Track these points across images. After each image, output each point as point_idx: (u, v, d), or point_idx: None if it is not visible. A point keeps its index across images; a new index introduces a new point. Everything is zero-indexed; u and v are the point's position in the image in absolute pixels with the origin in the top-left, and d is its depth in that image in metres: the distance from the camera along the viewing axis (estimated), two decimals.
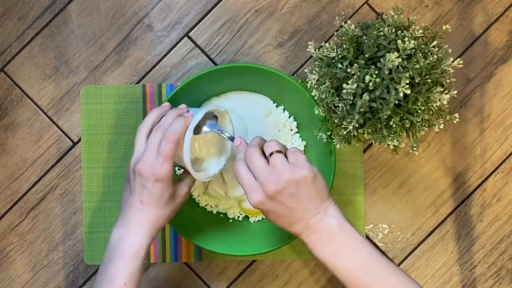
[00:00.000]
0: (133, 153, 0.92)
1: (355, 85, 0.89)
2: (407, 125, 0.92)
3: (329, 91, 0.94)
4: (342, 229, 0.87)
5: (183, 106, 0.96)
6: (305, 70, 0.99)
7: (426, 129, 0.93)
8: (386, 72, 0.88)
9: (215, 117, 0.97)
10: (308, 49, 0.95)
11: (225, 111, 0.97)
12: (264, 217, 1.06)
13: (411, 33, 0.91)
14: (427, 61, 0.89)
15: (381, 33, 0.90)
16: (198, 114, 0.93)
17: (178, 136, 0.89)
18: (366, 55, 0.90)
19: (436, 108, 0.92)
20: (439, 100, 0.90)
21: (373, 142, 0.95)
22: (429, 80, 0.90)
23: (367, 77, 0.88)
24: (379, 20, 0.94)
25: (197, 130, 0.95)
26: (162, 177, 0.89)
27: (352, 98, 0.90)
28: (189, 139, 0.91)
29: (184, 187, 0.95)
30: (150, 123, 0.93)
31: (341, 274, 0.87)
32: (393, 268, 0.87)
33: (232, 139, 0.95)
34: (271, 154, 0.88)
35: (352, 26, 0.92)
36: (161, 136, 0.90)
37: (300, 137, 1.07)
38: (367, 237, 1.10)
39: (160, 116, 0.94)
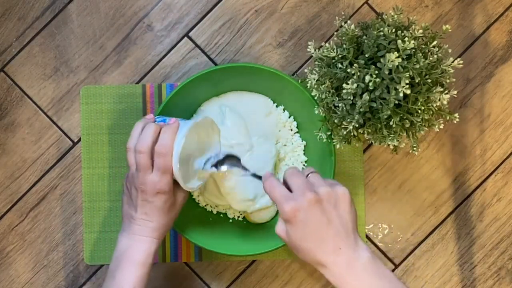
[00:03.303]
0: (129, 170, 0.93)
1: (355, 85, 0.89)
2: (407, 125, 0.92)
3: (329, 91, 0.94)
4: (376, 262, 0.83)
5: (150, 116, 0.95)
6: (305, 70, 0.99)
7: (426, 129, 0.93)
8: (386, 72, 0.88)
9: (234, 157, 0.97)
10: (308, 49, 0.95)
11: (216, 126, 0.96)
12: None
13: (411, 33, 0.91)
14: (427, 61, 0.89)
15: (381, 33, 0.90)
16: (185, 126, 0.91)
17: (169, 149, 0.90)
18: (366, 55, 0.90)
19: (436, 108, 0.92)
20: (439, 100, 0.90)
21: (373, 142, 0.95)
22: (429, 80, 0.90)
23: (367, 77, 0.88)
24: (379, 20, 0.94)
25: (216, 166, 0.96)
26: (163, 189, 0.91)
27: (352, 98, 0.90)
28: (178, 153, 0.90)
29: (182, 192, 0.96)
30: (137, 139, 0.92)
31: None
32: None
33: (258, 176, 0.93)
34: (307, 175, 0.87)
35: (352, 26, 0.92)
36: (146, 155, 0.90)
37: (300, 137, 1.07)
38: (367, 237, 1.10)
39: None
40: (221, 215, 1.08)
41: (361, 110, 0.90)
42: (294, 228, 0.83)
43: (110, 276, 0.92)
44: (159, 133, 0.91)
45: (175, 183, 0.94)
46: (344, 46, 0.92)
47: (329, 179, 0.89)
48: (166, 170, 0.90)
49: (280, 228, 0.85)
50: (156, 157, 0.90)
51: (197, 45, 1.11)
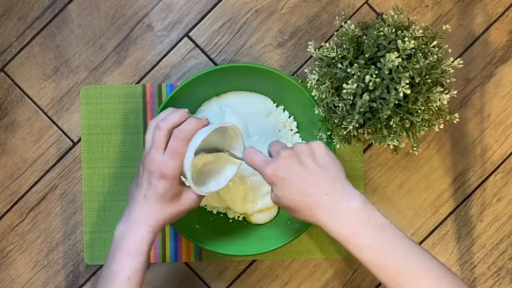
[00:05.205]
0: (144, 150, 0.92)
1: (355, 85, 0.89)
2: (407, 125, 0.92)
3: (329, 91, 0.94)
4: (366, 207, 0.83)
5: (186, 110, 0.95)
6: (305, 70, 0.99)
7: (426, 129, 0.93)
8: (386, 72, 0.88)
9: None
10: (308, 49, 0.95)
11: (239, 130, 0.94)
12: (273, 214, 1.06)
13: (411, 33, 0.91)
14: (427, 61, 0.89)
15: (381, 33, 0.90)
16: (209, 127, 0.91)
17: (187, 135, 0.89)
18: (366, 55, 0.91)
19: (436, 108, 0.92)
20: (439, 100, 0.90)
21: (373, 142, 0.95)
22: (429, 80, 0.90)
23: (367, 77, 0.88)
24: (379, 20, 0.94)
25: (207, 149, 0.95)
26: (167, 174, 0.88)
27: (352, 98, 0.90)
28: (194, 148, 0.89)
29: (192, 193, 0.92)
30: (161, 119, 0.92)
31: (364, 253, 0.82)
32: (418, 249, 0.82)
33: (236, 156, 0.95)
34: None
35: (352, 26, 0.92)
36: (164, 133, 0.89)
37: (300, 137, 1.07)
38: None
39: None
40: (221, 215, 1.08)
41: (361, 110, 0.90)
42: (279, 188, 0.86)
43: (105, 267, 0.90)
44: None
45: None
46: (344, 46, 0.92)
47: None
48: (177, 154, 0.88)
49: (271, 195, 0.89)
50: (172, 139, 0.89)
51: (197, 45, 1.11)
